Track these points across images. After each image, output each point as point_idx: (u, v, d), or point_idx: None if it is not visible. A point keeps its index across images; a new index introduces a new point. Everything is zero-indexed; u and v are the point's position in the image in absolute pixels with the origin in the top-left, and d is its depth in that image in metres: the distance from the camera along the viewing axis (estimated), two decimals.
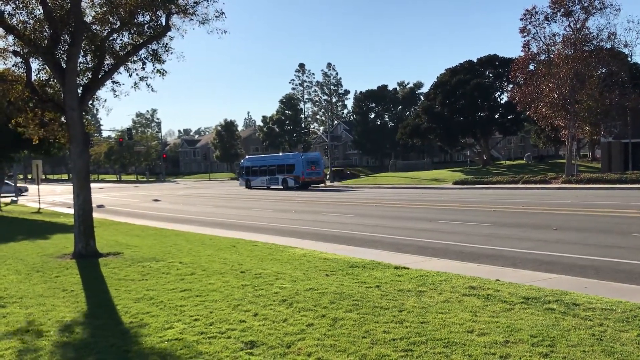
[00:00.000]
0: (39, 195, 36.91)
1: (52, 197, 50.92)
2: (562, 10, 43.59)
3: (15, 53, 14.05)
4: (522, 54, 47.22)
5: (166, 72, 14.79)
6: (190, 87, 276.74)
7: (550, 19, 44.46)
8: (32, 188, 60.69)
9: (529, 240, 14.53)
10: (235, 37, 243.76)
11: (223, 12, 14.12)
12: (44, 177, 54.05)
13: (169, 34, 14.22)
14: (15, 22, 13.34)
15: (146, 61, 14.48)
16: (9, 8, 13.21)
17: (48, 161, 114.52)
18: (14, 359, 6.15)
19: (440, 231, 17.30)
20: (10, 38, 13.87)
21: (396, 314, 7.29)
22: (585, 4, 43.08)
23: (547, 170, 54.26)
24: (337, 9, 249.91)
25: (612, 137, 50.65)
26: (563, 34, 44.74)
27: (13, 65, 14.81)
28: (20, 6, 13.23)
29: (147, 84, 14.83)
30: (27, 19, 13.45)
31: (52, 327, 7.36)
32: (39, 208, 34.06)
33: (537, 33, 45.38)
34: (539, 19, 44.71)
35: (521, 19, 45.21)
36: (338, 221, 21.65)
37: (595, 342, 5.95)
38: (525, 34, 45.56)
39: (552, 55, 45.14)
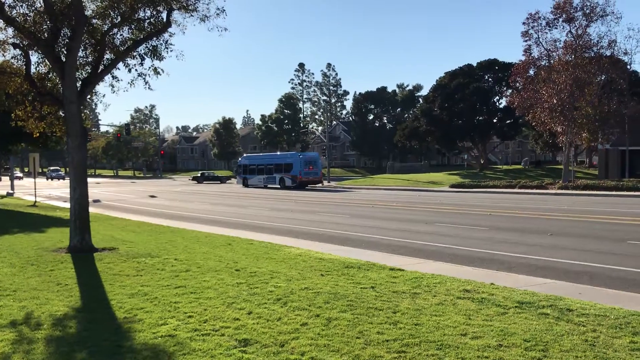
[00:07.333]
0: (35, 189, 36.80)
1: (48, 191, 50.79)
2: (564, 16, 43.67)
3: (14, 45, 13.99)
4: (523, 59, 47.31)
5: (162, 71, 14.74)
6: (189, 84, 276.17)
7: (552, 25, 44.57)
8: (28, 181, 60.56)
9: (524, 245, 14.55)
10: (236, 35, 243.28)
11: (224, 10, 14.15)
12: (40, 171, 53.95)
13: (169, 30, 14.21)
14: (16, 14, 13.29)
15: (145, 57, 14.44)
16: (9, 0, 13.18)
17: (45, 155, 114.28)
18: (8, 352, 6.13)
19: (436, 234, 17.31)
20: (10, 30, 13.82)
21: (390, 315, 7.29)
22: (587, 11, 43.12)
23: (544, 176, 54.35)
24: (338, 9, 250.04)
25: (609, 144, 50.82)
26: (564, 40, 44.87)
27: (12, 58, 14.79)
28: None
29: (145, 80, 14.77)
30: (27, 12, 13.40)
31: (46, 320, 7.34)
32: (35, 201, 33.96)
33: (539, 38, 45.45)
34: (541, 24, 44.78)
35: (524, 23, 45.28)
36: (334, 221, 21.65)
37: (588, 347, 5.96)
38: (527, 38, 45.62)
39: (552, 61, 45.22)
